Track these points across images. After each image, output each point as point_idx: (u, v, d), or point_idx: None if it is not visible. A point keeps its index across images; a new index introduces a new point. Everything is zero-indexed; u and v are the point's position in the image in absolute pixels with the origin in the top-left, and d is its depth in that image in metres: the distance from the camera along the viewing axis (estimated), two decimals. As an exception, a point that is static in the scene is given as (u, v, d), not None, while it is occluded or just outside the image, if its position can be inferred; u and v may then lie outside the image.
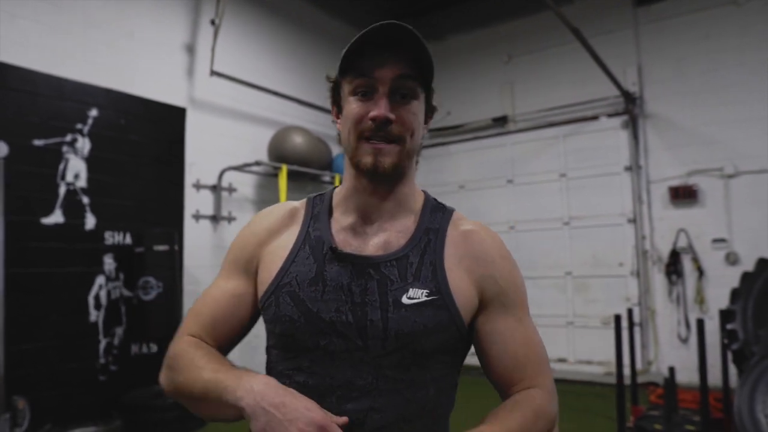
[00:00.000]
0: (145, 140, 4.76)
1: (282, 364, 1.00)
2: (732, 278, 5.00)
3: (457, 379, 1.07)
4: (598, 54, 5.20)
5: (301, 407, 0.85)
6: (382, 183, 1.02)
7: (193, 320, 1.09)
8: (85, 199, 4.32)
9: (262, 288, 1.03)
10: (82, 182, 4.30)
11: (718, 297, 5.29)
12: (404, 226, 1.05)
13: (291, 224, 1.09)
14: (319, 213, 1.09)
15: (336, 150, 6.41)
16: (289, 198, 5.55)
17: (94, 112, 4.41)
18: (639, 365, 5.68)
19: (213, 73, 5.21)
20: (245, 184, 5.73)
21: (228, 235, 5.48)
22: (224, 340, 1.07)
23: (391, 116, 0.96)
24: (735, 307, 4.46)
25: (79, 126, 4.31)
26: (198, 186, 5.23)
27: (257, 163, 5.36)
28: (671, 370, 3.73)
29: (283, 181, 5.33)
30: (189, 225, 5.11)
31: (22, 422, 3.72)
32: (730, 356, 4.16)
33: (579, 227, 6.41)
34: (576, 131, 6.50)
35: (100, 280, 4.37)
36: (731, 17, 5.71)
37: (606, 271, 6.21)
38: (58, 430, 4.02)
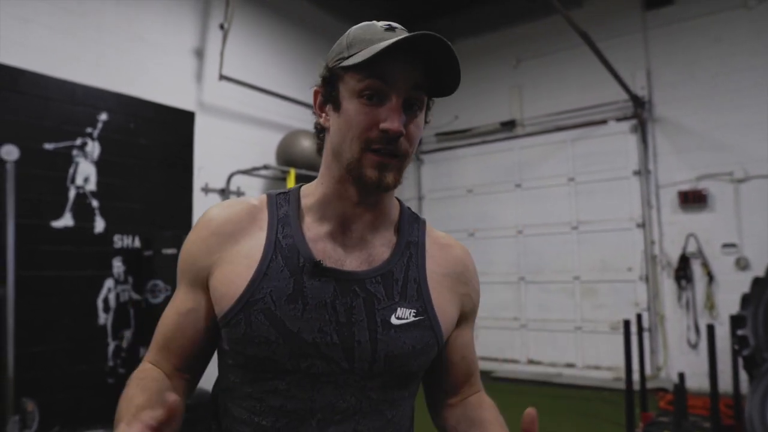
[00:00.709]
0: (154, 144, 4.79)
1: (251, 387, 0.90)
2: (742, 283, 4.95)
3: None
4: (606, 58, 5.19)
5: None
6: (372, 195, 0.94)
7: (153, 343, 1.00)
8: (95, 203, 4.35)
9: (225, 303, 0.90)
10: (91, 186, 4.33)
11: (729, 302, 5.25)
12: (386, 238, 0.98)
13: (252, 228, 0.95)
14: (287, 216, 0.96)
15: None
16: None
17: (104, 116, 4.44)
18: (648, 371, 5.65)
19: (222, 77, 5.23)
20: (254, 188, 5.74)
21: (236, 239, 5.50)
22: (179, 357, 0.96)
23: (404, 131, 0.88)
24: (746, 313, 4.41)
25: (89, 130, 4.34)
26: (206, 190, 5.25)
27: (265, 167, 5.38)
28: (681, 375, 3.70)
29: (291, 184, 5.33)
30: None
31: (31, 424, 3.74)
32: (740, 362, 4.13)
33: (587, 232, 6.38)
34: (584, 135, 6.48)
35: (109, 283, 4.39)
36: (742, 20, 5.68)
37: (615, 276, 6.18)
38: (66, 433, 4.04)
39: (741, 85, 5.62)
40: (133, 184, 4.62)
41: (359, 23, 1.01)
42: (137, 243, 4.57)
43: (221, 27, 5.14)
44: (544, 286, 6.54)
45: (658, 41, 6.17)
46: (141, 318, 4.50)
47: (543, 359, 6.50)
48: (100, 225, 4.37)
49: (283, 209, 0.97)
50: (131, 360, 4.47)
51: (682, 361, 5.66)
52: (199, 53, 5.29)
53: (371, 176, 0.88)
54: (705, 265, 5.66)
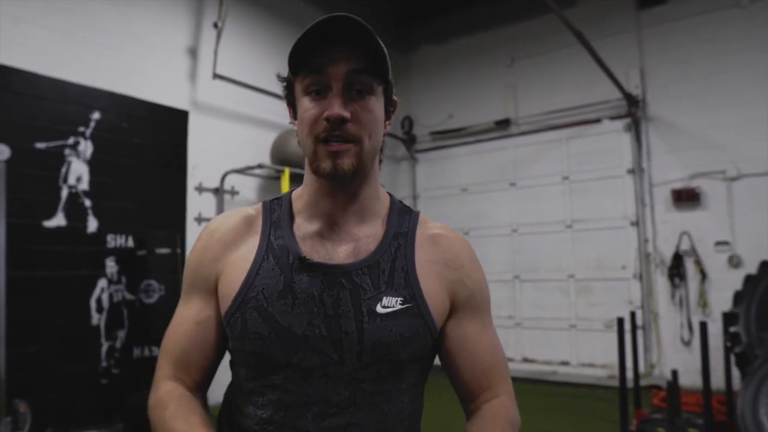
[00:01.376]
0: (147, 143, 4.77)
1: (252, 383, 0.94)
2: (735, 281, 4.98)
3: (425, 385, 1.05)
4: (600, 57, 5.20)
5: None
6: (344, 186, 0.97)
7: (165, 360, 1.01)
8: (88, 202, 4.33)
9: (225, 304, 0.95)
10: (84, 185, 4.31)
11: (721, 300, 5.28)
12: (372, 231, 1.00)
13: (248, 233, 1.01)
14: (279, 219, 1.01)
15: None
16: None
17: (96, 115, 4.42)
18: (642, 368, 5.67)
19: (215, 76, 5.21)
20: (248, 187, 5.73)
21: (230, 238, 5.48)
22: (199, 371, 1.00)
23: (346, 115, 0.89)
24: (738, 310, 4.44)
25: (81, 129, 4.32)
26: (200, 189, 5.24)
27: (260, 166, 5.36)
28: (674, 373, 3.71)
29: (285, 183, 5.33)
30: (191, 228, 5.11)
31: (23, 426, 3.72)
32: (733, 359, 4.15)
33: (581, 230, 6.40)
34: (578, 134, 6.50)
35: (102, 283, 4.37)
36: (735, 20, 5.71)
37: (609, 274, 6.20)
38: (60, 433, 4.02)
39: (734, 84, 5.65)
40: (126, 184, 4.60)
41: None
42: (130, 243, 4.55)
43: (215, 25, 5.12)
44: (539, 285, 6.56)
45: (651, 40, 6.19)
46: (134, 318, 4.48)
47: (537, 357, 6.52)
48: (93, 225, 4.34)
49: (275, 213, 1.02)
50: (125, 360, 4.45)
51: (675, 358, 5.69)
52: (193, 52, 5.27)
53: (326, 167, 0.91)
54: (698, 263, 5.69)
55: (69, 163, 4.22)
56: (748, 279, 4.67)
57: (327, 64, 0.91)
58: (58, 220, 4.14)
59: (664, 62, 6.09)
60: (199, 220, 5.20)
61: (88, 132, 4.36)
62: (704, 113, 5.79)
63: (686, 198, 5.78)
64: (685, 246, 5.79)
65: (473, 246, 1.11)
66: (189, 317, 1.01)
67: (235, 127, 5.65)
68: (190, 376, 0.99)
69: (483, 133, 7.22)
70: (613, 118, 6.29)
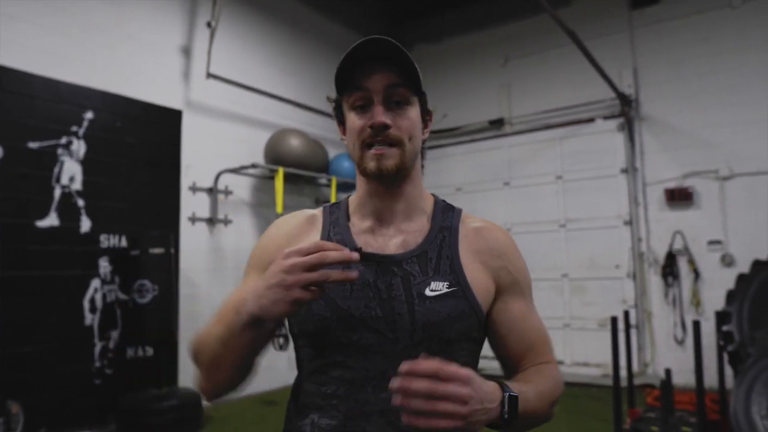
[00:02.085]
0: (140, 143, 4.75)
1: (316, 361, 1.05)
2: (727, 280, 5.01)
3: (476, 367, 1.12)
4: (594, 56, 5.22)
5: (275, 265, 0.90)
6: (389, 185, 1.09)
7: (213, 320, 1.11)
8: (81, 202, 4.31)
9: None
10: (77, 185, 4.29)
11: (714, 299, 5.31)
12: (419, 225, 1.12)
13: (310, 230, 1.15)
14: (337, 219, 1.15)
15: (332, 152, 6.41)
16: (285, 200, 5.54)
17: (89, 115, 4.40)
18: (635, 367, 5.69)
19: (209, 75, 5.20)
20: (241, 187, 5.72)
21: (224, 238, 5.47)
22: None
23: (388, 121, 1.02)
24: (731, 309, 4.46)
25: (74, 128, 4.30)
26: (194, 188, 5.22)
27: (253, 166, 5.35)
28: (667, 371, 3.73)
29: (279, 183, 5.32)
30: (185, 228, 5.10)
31: (15, 426, 3.70)
32: (726, 358, 4.17)
33: (575, 229, 6.42)
34: (572, 134, 6.52)
35: (96, 283, 4.36)
36: (727, 20, 5.74)
37: (602, 273, 6.22)
38: (53, 434, 4.00)
39: (727, 83, 5.68)
40: (119, 183, 4.58)
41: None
42: (124, 242, 4.54)
43: (208, 25, 5.10)
44: (533, 284, 6.56)
45: (644, 40, 6.21)
46: (128, 318, 4.47)
47: (532, 356, 6.52)
48: (86, 224, 4.33)
49: (334, 215, 1.17)
50: (118, 361, 4.44)
51: (668, 357, 5.71)
52: (187, 51, 5.25)
53: (372, 167, 1.04)
54: (691, 262, 5.72)
55: (62, 163, 4.20)
56: (741, 278, 4.69)
57: (367, 82, 1.04)
58: (51, 220, 4.12)
59: (657, 62, 6.11)
60: (193, 219, 5.18)
61: (82, 131, 4.34)
62: (697, 113, 5.81)
63: (679, 197, 5.80)
64: (678, 245, 5.82)
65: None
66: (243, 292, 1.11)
67: (229, 126, 5.64)
68: None
69: (477, 133, 7.23)
70: (606, 117, 6.31)
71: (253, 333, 0.95)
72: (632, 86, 6.18)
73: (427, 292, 1.03)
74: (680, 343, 5.74)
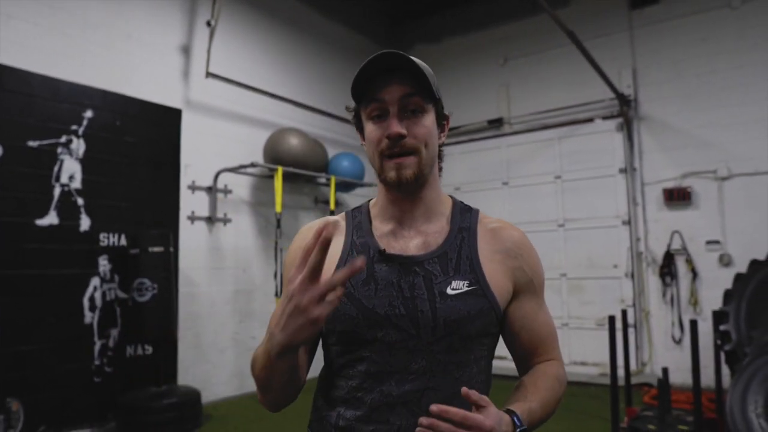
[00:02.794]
0: (140, 142, 4.76)
1: (343, 357, 1.10)
2: (725, 280, 5.03)
3: (492, 360, 1.19)
4: (593, 57, 5.23)
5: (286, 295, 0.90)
6: (409, 192, 1.13)
7: (267, 335, 1.16)
8: (80, 201, 4.32)
9: None
10: (76, 183, 4.30)
11: (712, 298, 5.32)
12: (439, 227, 1.17)
13: (336, 235, 1.17)
14: (360, 223, 1.20)
15: (332, 152, 6.42)
16: (284, 199, 5.56)
17: (89, 114, 4.40)
18: (633, 366, 5.71)
19: (209, 74, 5.20)
20: (241, 186, 5.73)
21: (223, 237, 5.48)
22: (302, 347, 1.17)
23: (403, 132, 1.06)
24: (728, 309, 4.48)
25: (74, 127, 4.31)
26: (193, 187, 5.23)
27: (253, 165, 5.36)
28: (665, 371, 3.74)
29: (278, 182, 5.33)
30: (184, 226, 5.11)
31: (16, 424, 3.71)
32: (723, 357, 4.19)
33: (574, 229, 6.43)
34: (571, 133, 6.53)
35: (95, 281, 4.37)
36: (726, 20, 5.75)
37: (601, 272, 6.24)
38: (52, 432, 4.02)
39: (725, 84, 5.69)
40: (119, 182, 4.59)
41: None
42: (123, 241, 4.55)
43: (208, 24, 5.11)
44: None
45: (643, 40, 6.22)
46: (127, 317, 4.48)
47: (530, 356, 6.54)
48: (85, 223, 4.33)
49: (357, 219, 1.21)
50: (117, 359, 4.45)
51: (666, 356, 5.73)
52: (186, 50, 5.26)
53: (392, 177, 1.09)
54: (689, 261, 5.73)
55: (61, 162, 4.21)
56: (738, 277, 4.71)
57: (383, 92, 1.08)
58: (51, 219, 4.13)
59: (656, 62, 6.12)
60: (192, 218, 5.19)
61: (81, 130, 4.35)
62: (696, 113, 5.83)
63: (678, 197, 5.82)
64: (676, 245, 5.84)
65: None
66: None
67: (229, 125, 5.64)
68: None
69: (476, 132, 7.24)
70: (605, 117, 6.32)
71: (289, 360, 0.98)
72: (631, 86, 6.19)
73: (449, 291, 1.07)
74: (678, 342, 5.75)
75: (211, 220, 5.36)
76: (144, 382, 4.48)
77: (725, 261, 5.53)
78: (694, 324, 3.44)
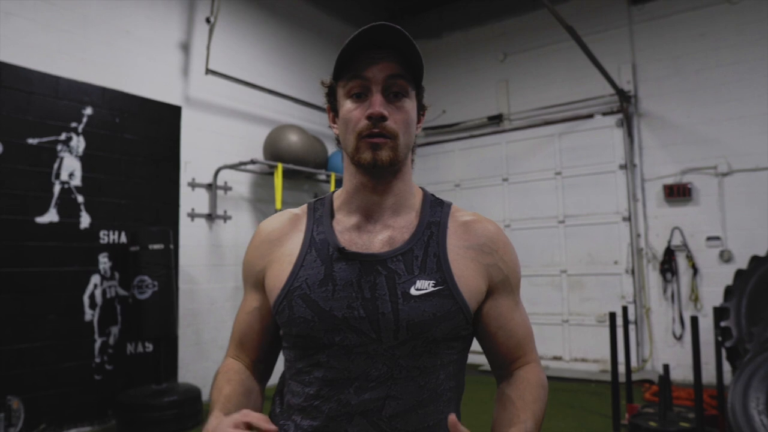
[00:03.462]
0: (140, 139, 4.74)
1: (300, 363, 1.05)
2: (726, 276, 5.03)
3: (465, 364, 1.12)
4: (592, 52, 5.21)
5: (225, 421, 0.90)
6: (382, 178, 1.06)
7: (231, 341, 1.18)
8: (80, 198, 4.31)
9: (274, 295, 1.07)
10: (76, 181, 4.29)
11: (712, 295, 5.33)
12: (407, 221, 1.09)
13: (293, 231, 1.13)
14: (321, 217, 1.12)
15: (331, 148, 6.41)
16: (284, 196, 5.55)
17: (88, 111, 4.39)
18: (634, 363, 5.72)
19: (208, 71, 5.19)
20: (241, 183, 5.72)
21: (223, 234, 5.48)
22: (253, 351, 1.15)
23: (386, 113, 1.00)
24: (729, 305, 4.48)
25: (73, 124, 4.29)
26: (193, 184, 5.22)
27: (253, 162, 5.35)
28: (666, 367, 3.74)
29: (278, 179, 5.32)
30: (184, 224, 5.10)
31: (16, 422, 3.71)
32: (724, 353, 4.19)
33: (574, 225, 6.43)
34: (571, 129, 6.52)
35: (95, 279, 4.36)
36: (726, 15, 5.73)
37: (601, 269, 6.23)
38: (53, 430, 4.02)
39: (725, 79, 5.68)
40: (118, 180, 4.58)
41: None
42: (123, 238, 4.54)
43: (207, 21, 5.09)
44: (532, 280, 6.58)
45: (643, 36, 6.21)
46: (128, 314, 4.48)
47: (530, 352, 6.54)
48: (85, 220, 4.33)
49: (318, 212, 1.14)
50: (118, 356, 4.45)
51: (667, 353, 5.74)
52: (185, 47, 5.24)
53: (367, 157, 1.01)
54: (690, 257, 5.73)
55: (61, 159, 4.20)
56: (739, 274, 4.71)
57: (368, 70, 1.01)
58: (51, 216, 4.12)
59: (656, 58, 6.11)
60: (192, 215, 5.18)
61: (80, 127, 4.34)
62: (696, 109, 5.82)
63: (678, 193, 5.81)
64: (676, 241, 5.83)
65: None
66: (243, 309, 1.17)
67: (228, 122, 5.63)
68: (247, 356, 1.16)
69: (476, 129, 7.23)
70: (605, 113, 6.31)
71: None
72: (631, 82, 6.18)
73: (413, 291, 1.00)
74: (678, 338, 5.75)
75: (211, 217, 5.35)
76: (144, 379, 4.48)
77: (726, 257, 5.53)
78: (694, 320, 3.44)
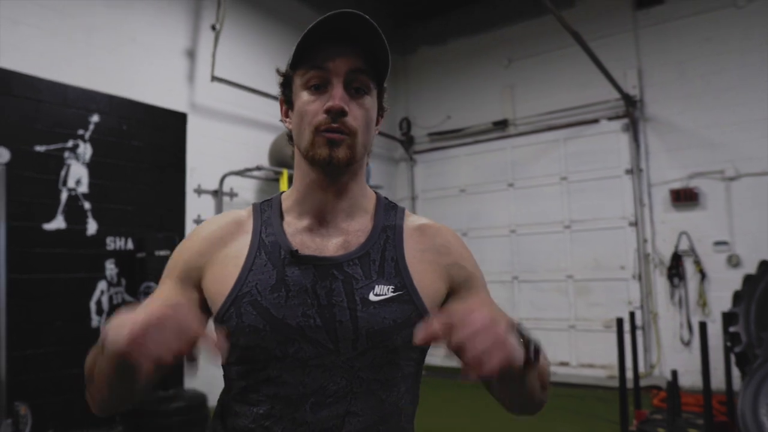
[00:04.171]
0: (146, 146, 4.77)
1: (248, 379, 0.94)
2: (734, 281, 4.99)
3: (420, 377, 1.06)
4: (598, 57, 5.21)
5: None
6: (336, 178, 0.99)
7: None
8: (87, 205, 4.33)
9: (218, 300, 0.96)
10: (83, 188, 4.31)
11: (721, 300, 5.29)
12: (361, 225, 1.03)
13: (238, 233, 1.02)
14: (269, 218, 1.03)
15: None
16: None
17: (95, 118, 4.42)
18: (641, 369, 5.68)
19: (214, 78, 5.22)
20: (246, 189, 5.73)
21: (229, 240, 5.48)
22: None
23: (346, 108, 0.93)
24: (737, 310, 4.44)
25: (80, 132, 4.32)
26: (199, 191, 5.24)
27: (258, 168, 5.36)
28: (674, 373, 3.72)
29: (284, 185, 5.33)
30: (190, 230, 5.10)
31: (24, 428, 3.72)
32: (733, 359, 4.15)
33: (580, 231, 6.41)
34: (576, 134, 6.51)
35: (102, 285, 4.37)
36: (732, 19, 5.72)
37: (608, 274, 6.21)
38: (60, 436, 4.02)
39: (731, 83, 5.66)
40: (125, 186, 4.60)
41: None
42: (130, 245, 4.55)
43: (213, 28, 5.12)
44: (538, 285, 6.56)
45: (648, 40, 6.20)
46: (134, 320, 4.48)
47: (537, 358, 6.50)
48: (92, 227, 4.35)
49: (266, 213, 1.04)
50: (125, 362, 4.45)
51: (675, 358, 5.69)
52: (191, 54, 5.27)
53: (323, 154, 0.94)
54: (697, 262, 5.70)
55: (68, 166, 4.22)
56: (748, 279, 4.67)
57: (329, 61, 0.95)
58: (58, 223, 4.14)
59: (662, 62, 6.10)
60: (198, 222, 5.20)
61: (87, 135, 4.36)
62: (702, 113, 5.80)
63: (685, 198, 5.79)
64: (684, 246, 5.80)
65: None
66: (158, 299, 0.98)
67: (234, 129, 5.65)
68: None
69: (481, 134, 7.23)
70: (610, 118, 6.30)
71: (120, 368, 0.88)
72: (637, 87, 6.17)
73: (371, 297, 0.93)
74: (686, 344, 5.72)
75: (216, 223, 5.35)
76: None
77: (734, 262, 5.50)
78: (703, 326, 3.42)
